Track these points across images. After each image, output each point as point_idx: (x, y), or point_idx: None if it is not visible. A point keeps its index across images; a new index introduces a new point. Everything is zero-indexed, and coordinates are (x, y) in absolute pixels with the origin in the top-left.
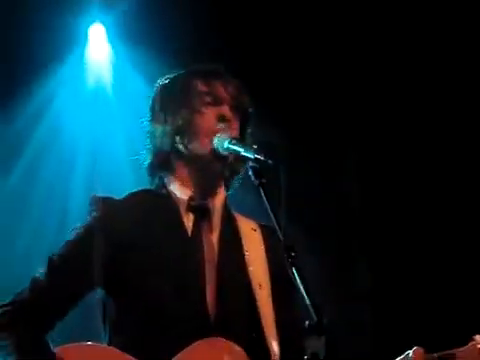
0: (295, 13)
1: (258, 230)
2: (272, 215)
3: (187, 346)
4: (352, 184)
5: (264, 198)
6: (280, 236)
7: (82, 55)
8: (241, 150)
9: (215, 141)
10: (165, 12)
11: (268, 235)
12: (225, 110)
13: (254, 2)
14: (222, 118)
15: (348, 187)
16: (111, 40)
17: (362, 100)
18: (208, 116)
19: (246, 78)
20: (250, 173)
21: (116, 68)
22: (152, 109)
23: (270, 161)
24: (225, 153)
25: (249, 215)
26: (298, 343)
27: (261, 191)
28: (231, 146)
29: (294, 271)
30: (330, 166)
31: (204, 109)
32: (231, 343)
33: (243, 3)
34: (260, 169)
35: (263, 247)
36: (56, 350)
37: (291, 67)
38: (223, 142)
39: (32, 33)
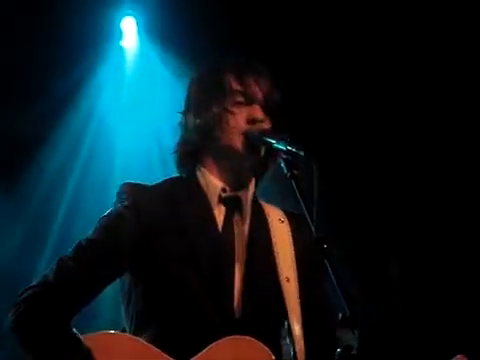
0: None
1: (285, 221)
2: (304, 207)
3: (211, 341)
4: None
5: (296, 190)
6: (312, 229)
7: (117, 48)
8: (273, 142)
9: (247, 134)
10: (193, 7)
11: (296, 225)
12: (256, 111)
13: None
14: (253, 120)
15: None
16: (141, 33)
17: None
18: (239, 116)
19: None
20: (282, 165)
21: (145, 61)
22: (186, 101)
23: (302, 153)
24: (257, 147)
25: (276, 203)
26: (329, 335)
27: (293, 183)
28: (263, 138)
29: (327, 264)
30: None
31: (236, 109)
32: (255, 341)
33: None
34: (292, 161)
35: (291, 239)
36: (85, 337)
37: None
38: (255, 134)
39: (66, 27)
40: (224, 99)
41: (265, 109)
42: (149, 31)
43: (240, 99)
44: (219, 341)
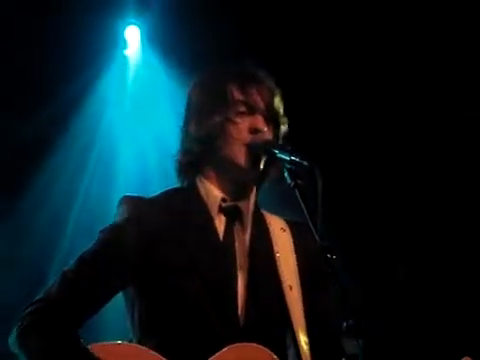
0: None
1: (287, 230)
2: (308, 216)
3: (216, 350)
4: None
5: (300, 199)
6: (316, 237)
7: (120, 57)
8: (276, 152)
9: (251, 144)
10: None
11: (298, 234)
12: (258, 121)
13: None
14: (255, 130)
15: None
16: (144, 42)
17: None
18: (241, 127)
19: None
20: (285, 175)
21: (148, 70)
22: (187, 109)
23: (305, 162)
24: (259, 157)
25: (277, 212)
26: (333, 344)
27: (297, 192)
28: (267, 148)
29: (331, 272)
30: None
31: (238, 119)
32: (261, 347)
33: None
34: (296, 171)
35: (293, 247)
36: (90, 347)
37: None
38: (258, 145)
39: (70, 36)
40: (226, 109)
41: (267, 118)
42: (152, 40)
43: (242, 109)
44: (226, 348)
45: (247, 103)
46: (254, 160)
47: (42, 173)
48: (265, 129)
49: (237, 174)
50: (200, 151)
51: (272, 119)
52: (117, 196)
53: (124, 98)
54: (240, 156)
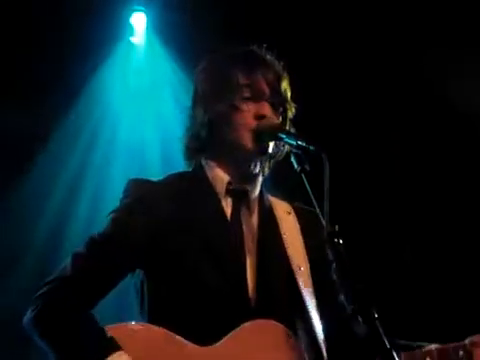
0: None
1: (292, 213)
2: (315, 201)
3: (229, 330)
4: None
5: (306, 184)
6: (323, 222)
7: (126, 43)
8: (283, 136)
9: (257, 129)
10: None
11: (302, 218)
12: (264, 108)
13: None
14: (261, 116)
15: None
16: (150, 29)
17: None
18: (247, 113)
19: None
20: (292, 159)
21: (153, 56)
22: (194, 94)
23: (312, 147)
24: (266, 143)
25: (283, 197)
26: (342, 324)
27: (303, 177)
28: (273, 133)
29: (337, 257)
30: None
31: (244, 105)
32: (276, 323)
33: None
34: (302, 155)
35: (299, 230)
36: (108, 329)
37: None
38: (265, 129)
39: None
40: (232, 95)
41: (273, 104)
42: (158, 27)
43: (247, 94)
44: (240, 326)
45: (252, 88)
46: (260, 144)
47: (38, 166)
48: (270, 115)
49: (243, 158)
50: (206, 136)
51: (278, 104)
52: (118, 180)
53: (127, 85)
54: (246, 141)
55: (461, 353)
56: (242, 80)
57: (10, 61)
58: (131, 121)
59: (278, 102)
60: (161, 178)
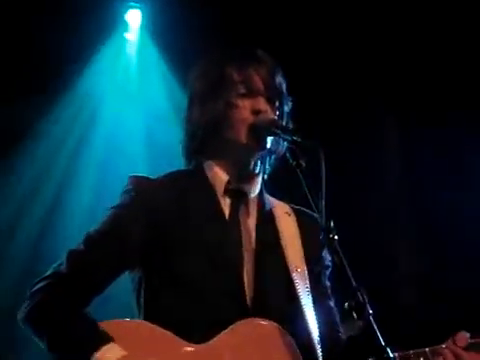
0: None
1: (292, 214)
2: (311, 198)
3: (225, 328)
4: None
5: (302, 180)
6: (319, 219)
7: (120, 39)
8: (279, 132)
9: (254, 124)
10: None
11: (302, 219)
12: (260, 102)
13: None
14: (257, 111)
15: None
16: (144, 26)
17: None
18: (243, 109)
19: None
20: (288, 155)
21: (146, 54)
22: (189, 96)
23: (308, 142)
24: (263, 138)
25: (282, 198)
26: (333, 328)
27: (299, 173)
28: (270, 129)
29: (334, 253)
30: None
31: (239, 102)
32: (271, 322)
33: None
34: (298, 151)
35: (297, 231)
36: (101, 324)
37: None
38: (262, 125)
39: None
40: (227, 92)
41: (268, 98)
42: (152, 24)
43: (242, 91)
44: (235, 323)
45: (247, 84)
46: (258, 140)
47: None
48: (266, 110)
49: (241, 154)
50: (204, 135)
51: (273, 99)
52: (109, 176)
53: (116, 80)
54: (243, 137)
55: None
56: (236, 77)
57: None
58: (116, 116)
59: (273, 96)
60: (161, 175)
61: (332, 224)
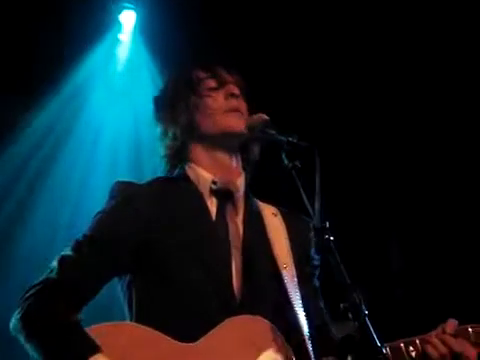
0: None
1: (278, 215)
2: (305, 199)
3: (214, 326)
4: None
5: (297, 181)
6: (314, 219)
7: (113, 40)
8: (274, 133)
9: (249, 125)
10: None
11: (289, 220)
12: (231, 88)
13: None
14: (231, 94)
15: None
16: (138, 27)
17: None
18: (216, 97)
19: None
20: (283, 156)
21: (136, 55)
22: (162, 106)
23: (303, 143)
24: (257, 135)
25: (269, 201)
26: (324, 330)
27: (294, 174)
28: (265, 130)
29: (330, 254)
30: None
31: (212, 93)
32: (260, 318)
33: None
34: (293, 152)
35: (285, 231)
36: (89, 329)
37: None
38: (257, 126)
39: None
40: (198, 88)
41: (240, 90)
42: (146, 26)
43: (212, 85)
44: (225, 321)
45: (215, 78)
46: (233, 131)
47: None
48: (239, 94)
49: (222, 142)
50: (184, 133)
51: (242, 89)
52: (94, 177)
53: (106, 80)
54: (221, 123)
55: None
56: (203, 75)
57: None
58: (109, 118)
59: (241, 87)
60: (146, 180)
61: (328, 225)
